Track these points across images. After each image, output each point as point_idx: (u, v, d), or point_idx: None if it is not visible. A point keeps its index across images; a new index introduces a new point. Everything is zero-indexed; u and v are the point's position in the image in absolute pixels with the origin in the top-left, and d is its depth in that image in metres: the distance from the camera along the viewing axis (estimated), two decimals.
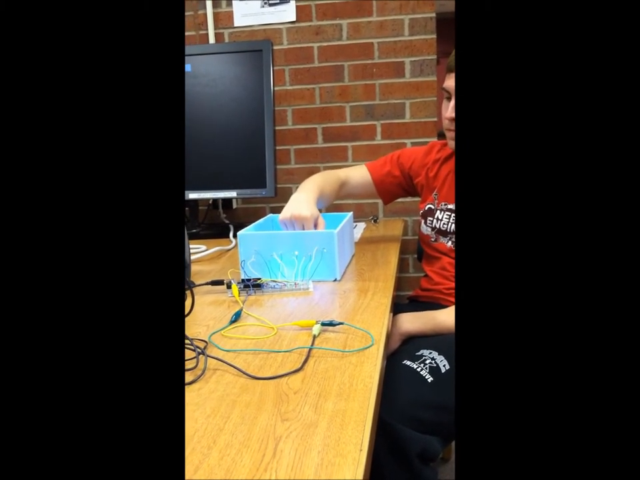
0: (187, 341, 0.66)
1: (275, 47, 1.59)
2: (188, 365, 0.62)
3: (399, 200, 1.34)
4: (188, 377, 0.59)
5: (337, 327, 0.71)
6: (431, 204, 1.19)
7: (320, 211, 1.07)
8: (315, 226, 1.03)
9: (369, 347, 0.65)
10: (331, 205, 1.33)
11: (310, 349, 0.64)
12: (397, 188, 1.27)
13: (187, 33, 1.65)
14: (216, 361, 0.62)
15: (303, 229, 1.01)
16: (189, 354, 0.64)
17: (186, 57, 1.48)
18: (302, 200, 1.05)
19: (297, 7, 1.58)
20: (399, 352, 0.96)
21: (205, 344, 0.68)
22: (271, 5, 1.60)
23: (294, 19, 1.59)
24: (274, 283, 0.92)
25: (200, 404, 0.53)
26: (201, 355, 0.63)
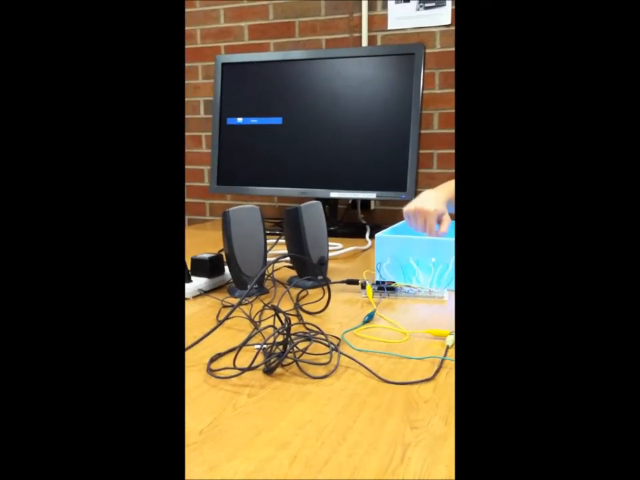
0: (321, 336, 0.68)
1: (427, 50, 1.58)
2: (321, 359, 0.64)
3: None
4: (321, 371, 0.61)
5: None
6: None
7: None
8: (439, 223, 1.02)
9: None
10: None
11: (443, 360, 0.63)
12: None
13: (340, 36, 1.69)
14: (347, 359, 0.64)
15: (425, 224, 1.01)
16: (322, 349, 0.66)
17: (338, 60, 1.52)
18: (430, 196, 1.06)
19: (452, 10, 1.56)
20: None
21: (338, 341, 0.70)
22: (426, 8, 1.59)
23: (449, 22, 1.57)
24: (408, 288, 0.92)
25: (331, 399, 0.55)
26: (334, 352, 0.65)
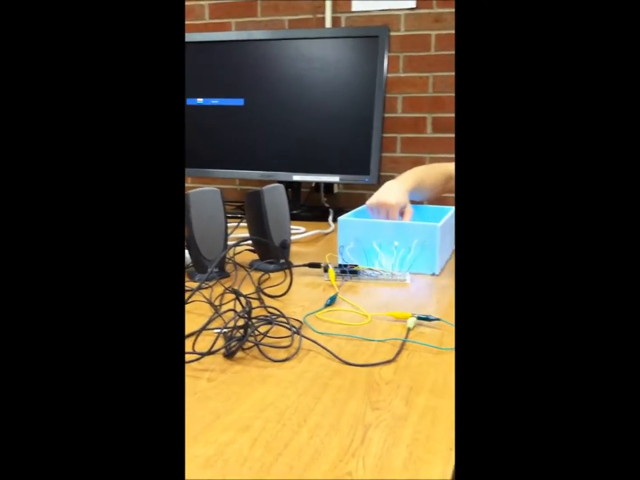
0: (283, 319, 0.68)
1: (391, 33, 1.57)
2: (283, 342, 0.63)
3: None
4: (282, 354, 0.61)
5: (433, 322, 0.70)
6: None
7: (420, 203, 1.06)
8: (402, 215, 1.04)
9: None
10: (438, 198, 1.30)
11: (404, 342, 0.64)
12: None
13: (303, 16, 1.67)
14: (309, 342, 0.63)
15: (388, 217, 1.03)
16: (284, 332, 0.66)
17: (301, 40, 1.50)
18: (392, 188, 1.07)
19: None
20: None
21: (300, 324, 0.69)
22: None
23: (414, 6, 1.56)
24: (370, 271, 0.92)
25: (293, 382, 0.54)
26: (296, 335, 0.64)
